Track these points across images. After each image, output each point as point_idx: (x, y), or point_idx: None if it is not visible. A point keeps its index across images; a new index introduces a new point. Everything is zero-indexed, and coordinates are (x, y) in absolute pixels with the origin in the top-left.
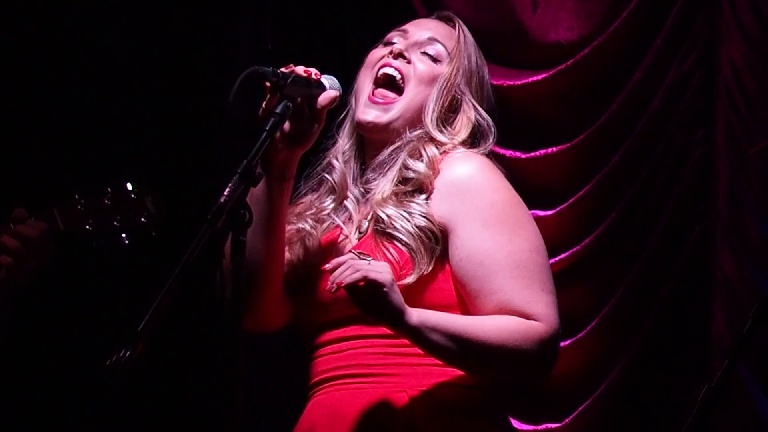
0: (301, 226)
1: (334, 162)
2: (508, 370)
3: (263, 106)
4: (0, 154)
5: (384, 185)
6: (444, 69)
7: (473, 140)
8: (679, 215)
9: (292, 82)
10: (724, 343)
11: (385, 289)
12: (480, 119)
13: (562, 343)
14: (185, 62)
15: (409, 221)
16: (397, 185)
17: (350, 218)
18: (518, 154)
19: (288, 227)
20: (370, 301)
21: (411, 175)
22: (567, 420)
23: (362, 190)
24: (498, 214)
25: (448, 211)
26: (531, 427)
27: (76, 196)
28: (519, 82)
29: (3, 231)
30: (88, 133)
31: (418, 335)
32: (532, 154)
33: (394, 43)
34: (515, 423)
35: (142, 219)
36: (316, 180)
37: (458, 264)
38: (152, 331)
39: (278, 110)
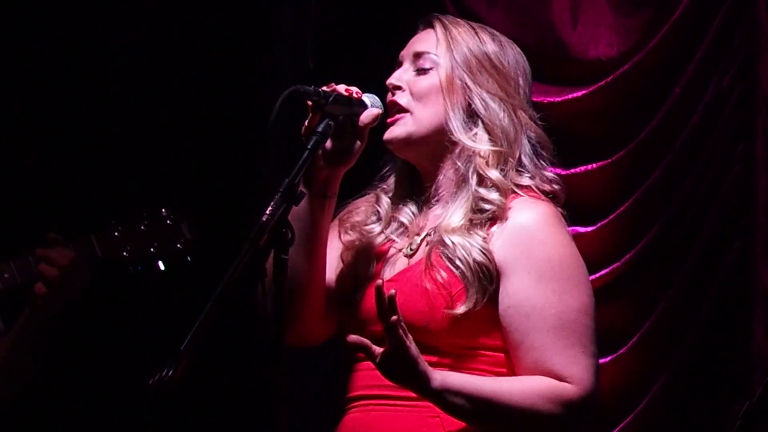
0: (353, 237)
1: (382, 196)
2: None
3: (305, 124)
4: (36, 179)
5: (455, 213)
6: (437, 75)
7: (505, 140)
8: (718, 230)
9: (334, 101)
10: (764, 358)
11: (408, 354)
12: (496, 107)
13: (602, 360)
14: (227, 82)
15: (470, 254)
16: (469, 214)
17: (404, 233)
18: (558, 170)
19: (343, 236)
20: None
21: (486, 206)
22: None
23: (418, 206)
24: (554, 270)
25: (506, 256)
26: None
27: (113, 222)
28: (559, 99)
29: (40, 259)
30: (129, 154)
31: (442, 400)
32: (573, 170)
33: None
34: None
35: (178, 245)
36: (369, 198)
37: (505, 311)
38: (195, 350)
39: (320, 129)
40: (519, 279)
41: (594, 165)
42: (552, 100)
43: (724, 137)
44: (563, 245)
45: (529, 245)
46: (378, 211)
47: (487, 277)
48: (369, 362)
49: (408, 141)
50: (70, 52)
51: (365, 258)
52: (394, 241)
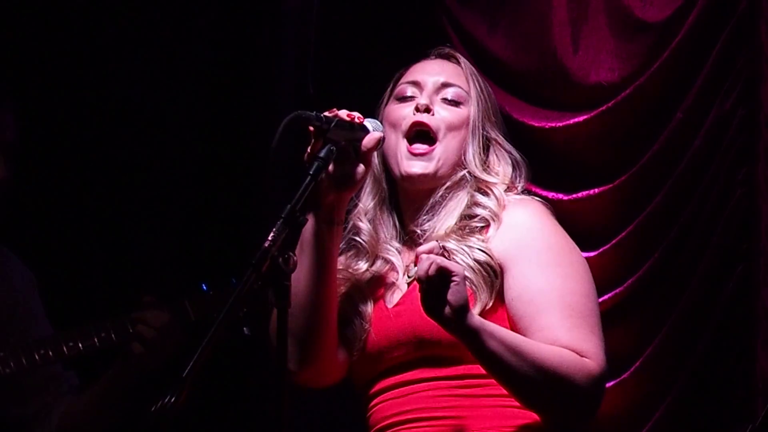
0: (342, 279)
1: (360, 224)
2: (557, 398)
3: (308, 150)
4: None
5: (446, 221)
6: (467, 110)
7: (514, 175)
8: (721, 254)
9: (336, 126)
10: (767, 382)
11: (455, 277)
12: (511, 152)
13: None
14: (228, 108)
15: (469, 255)
16: (461, 220)
17: (393, 268)
18: (560, 195)
19: None
20: (437, 291)
21: (479, 211)
22: None
23: (405, 237)
24: (553, 256)
25: (506, 251)
26: None
27: (204, 287)
28: (560, 124)
29: (137, 320)
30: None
31: (476, 338)
32: (574, 195)
33: (410, 97)
34: None
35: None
36: (345, 242)
37: (511, 303)
38: (197, 376)
39: (322, 154)
40: (520, 269)
41: (596, 190)
42: (553, 125)
43: (726, 161)
44: (559, 234)
45: (527, 237)
46: (360, 252)
47: (491, 274)
48: (389, 393)
49: (433, 177)
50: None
51: (361, 295)
52: (385, 276)
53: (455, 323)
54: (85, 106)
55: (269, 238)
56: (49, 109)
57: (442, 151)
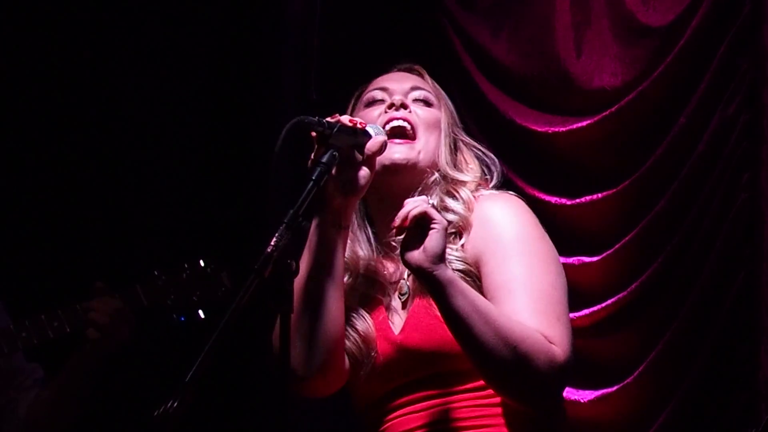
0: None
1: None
2: (514, 373)
3: (312, 156)
4: (79, 231)
5: None
6: (439, 112)
7: (484, 172)
8: (724, 259)
9: (338, 131)
10: None
11: (435, 224)
12: (481, 151)
13: (609, 389)
14: (231, 113)
15: (449, 268)
16: None
17: (382, 289)
18: (563, 200)
19: None
20: (416, 235)
21: (450, 217)
22: None
23: (384, 250)
24: (519, 247)
25: (477, 251)
26: None
27: (156, 273)
28: (563, 129)
29: (90, 307)
30: (132, 189)
31: (445, 291)
32: (578, 200)
33: (381, 100)
34: None
35: (219, 294)
36: None
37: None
38: (199, 381)
39: (324, 160)
40: (488, 266)
41: (599, 195)
42: (557, 130)
43: (729, 166)
44: (527, 224)
45: (495, 232)
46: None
47: (476, 280)
48: (406, 408)
49: (414, 167)
50: (83, 102)
51: (360, 317)
52: (377, 298)
53: (426, 270)
54: (85, 110)
55: (272, 243)
56: (47, 116)
57: (423, 144)
